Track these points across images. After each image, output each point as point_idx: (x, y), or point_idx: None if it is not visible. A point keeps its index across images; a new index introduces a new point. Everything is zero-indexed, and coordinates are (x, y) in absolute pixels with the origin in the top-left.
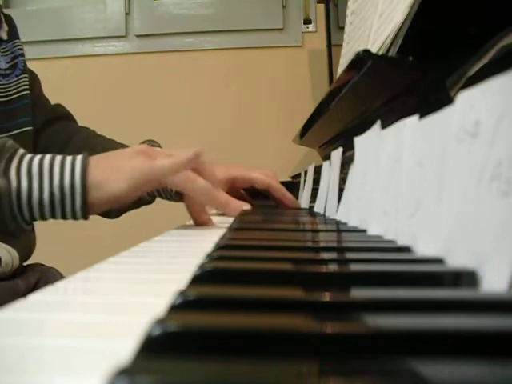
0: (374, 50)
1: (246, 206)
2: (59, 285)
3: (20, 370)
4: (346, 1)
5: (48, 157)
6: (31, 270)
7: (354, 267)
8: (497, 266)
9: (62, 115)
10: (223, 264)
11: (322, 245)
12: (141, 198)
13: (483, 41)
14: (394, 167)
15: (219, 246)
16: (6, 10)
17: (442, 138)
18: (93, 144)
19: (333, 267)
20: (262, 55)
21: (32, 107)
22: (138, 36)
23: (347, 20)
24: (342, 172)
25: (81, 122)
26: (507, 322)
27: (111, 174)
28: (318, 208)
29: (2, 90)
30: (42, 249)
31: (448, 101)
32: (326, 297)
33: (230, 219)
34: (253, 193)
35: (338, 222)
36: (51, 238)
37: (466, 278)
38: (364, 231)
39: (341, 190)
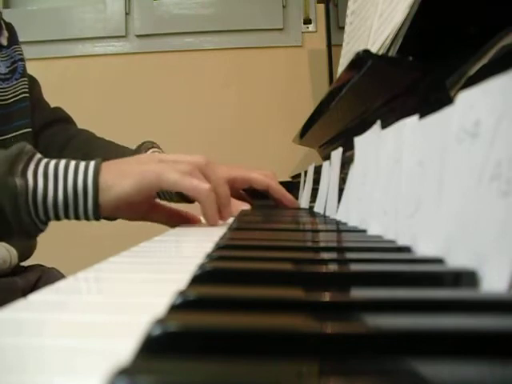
0: (374, 50)
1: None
2: (59, 285)
3: (20, 370)
4: (346, 1)
5: (63, 161)
6: (31, 269)
7: (354, 267)
8: (497, 266)
9: (60, 118)
10: (223, 264)
11: (321, 245)
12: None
13: (483, 41)
14: (394, 167)
15: (219, 246)
16: (6, 10)
17: (442, 138)
18: (91, 146)
19: (333, 267)
20: (261, 55)
21: (31, 110)
22: (137, 36)
23: (347, 20)
24: (342, 172)
25: (81, 122)
26: (507, 322)
27: (121, 178)
28: (317, 208)
29: (2, 94)
30: (42, 249)
31: (448, 101)
32: (326, 297)
33: (230, 219)
34: (252, 193)
35: (337, 222)
36: (51, 238)
37: (466, 278)
38: (364, 231)
39: (341, 190)
